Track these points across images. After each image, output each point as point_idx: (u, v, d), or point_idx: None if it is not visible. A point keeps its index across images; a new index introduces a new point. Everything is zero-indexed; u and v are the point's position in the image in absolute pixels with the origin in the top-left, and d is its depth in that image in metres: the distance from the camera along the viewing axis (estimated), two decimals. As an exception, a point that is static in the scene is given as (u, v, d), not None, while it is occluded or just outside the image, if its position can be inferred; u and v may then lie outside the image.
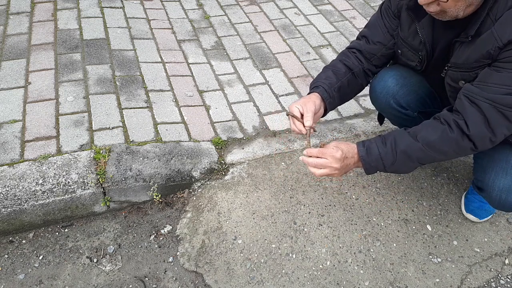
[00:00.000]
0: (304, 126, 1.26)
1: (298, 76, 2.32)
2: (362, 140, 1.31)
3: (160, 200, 1.69)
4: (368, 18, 2.79)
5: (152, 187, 1.66)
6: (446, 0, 1.07)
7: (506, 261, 1.56)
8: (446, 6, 1.09)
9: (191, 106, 2.06)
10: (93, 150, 1.70)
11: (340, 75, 1.40)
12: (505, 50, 1.07)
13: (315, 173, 1.21)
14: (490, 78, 1.11)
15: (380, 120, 1.77)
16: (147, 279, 1.46)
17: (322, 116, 1.39)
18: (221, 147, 1.87)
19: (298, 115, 1.27)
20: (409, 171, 1.26)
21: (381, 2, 3.05)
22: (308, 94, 1.37)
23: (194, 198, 1.72)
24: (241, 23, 2.74)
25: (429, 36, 1.28)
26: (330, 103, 1.36)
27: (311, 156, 1.22)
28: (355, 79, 1.44)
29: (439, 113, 1.23)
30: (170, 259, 1.51)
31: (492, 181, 1.33)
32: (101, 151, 1.70)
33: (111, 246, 1.54)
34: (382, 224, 1.65)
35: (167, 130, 1.90)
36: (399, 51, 1.41)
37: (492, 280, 1.50)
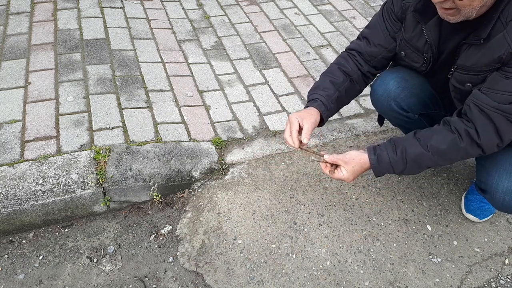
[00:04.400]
0: (300, 142, 1.28)
1: (298, 76, 2.32)
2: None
3: (160, 200, 1.69)
4: (368, 19, 2.80)
5: (152, 187, 1.66)
6: None
7: (506, 261, 1.56)
8: (461, 5, 1.06)
9: (191, 106, 2.06)
10: (93, 150, 1.70)
11: (338, 84, 1.40)
12: None
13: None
14: (498, 85, 1.11)
15: (380, 121, 1.77)
16: (147, 279, 1.46)
17: (318, 126, 1.41)
18: (221, 147, 1.87)
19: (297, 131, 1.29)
20: (415, 174, 1.38)
21: (381, 2, 3.06)
22: (306, 107, 1.39)
23: (194, 198, 1.72)
24: (241, 23, 2.74)
25: (435, 39, 1.27)
26: (327, 115, 1.39)
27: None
28: (353, 85, 1.45)
29: (449, 119, 1.23)
30: (170, 259, 1.51)
31: (495, 183, 1.33)
32: (101, 151, 1.70)
33: (111, 246, 1.54)
34: (382, 224, 1.65)
35: (167, 130, 1.90)
36: (403, 52, 1.39)
37: (492, 280, 1.50)
